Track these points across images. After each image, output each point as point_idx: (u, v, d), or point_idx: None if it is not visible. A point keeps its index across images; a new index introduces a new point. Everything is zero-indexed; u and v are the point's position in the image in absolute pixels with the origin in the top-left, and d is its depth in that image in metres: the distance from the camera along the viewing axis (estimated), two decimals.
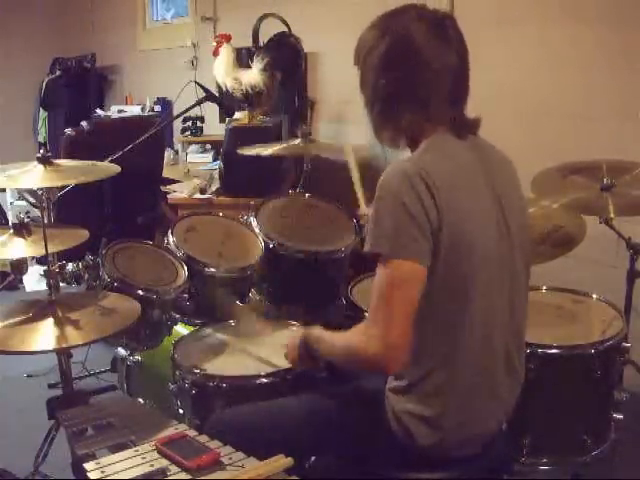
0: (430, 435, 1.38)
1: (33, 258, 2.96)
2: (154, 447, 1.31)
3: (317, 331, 1.52)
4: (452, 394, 1.37)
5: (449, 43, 1.35)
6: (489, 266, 1.35)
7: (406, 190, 1.27)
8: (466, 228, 1.31)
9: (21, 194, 4.50)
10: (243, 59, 3.47)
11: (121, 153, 2.44)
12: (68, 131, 3.62)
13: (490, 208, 1.38)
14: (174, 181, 3.81)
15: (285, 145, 2.60)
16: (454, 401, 1.37)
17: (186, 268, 2.13)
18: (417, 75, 1.35)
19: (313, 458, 1.58)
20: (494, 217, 1.38)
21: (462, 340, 1.35)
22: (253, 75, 3.26)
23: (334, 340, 1.45)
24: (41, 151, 1.80)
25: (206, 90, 2.76)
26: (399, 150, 1.48)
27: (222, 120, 4.12)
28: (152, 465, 1.24)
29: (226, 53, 3.33)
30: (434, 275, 1.30)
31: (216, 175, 3.40)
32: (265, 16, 3.50)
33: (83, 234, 1.92)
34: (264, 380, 1.79)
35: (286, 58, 3.43)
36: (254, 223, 2.33)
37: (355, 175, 2.13)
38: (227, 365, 1.90)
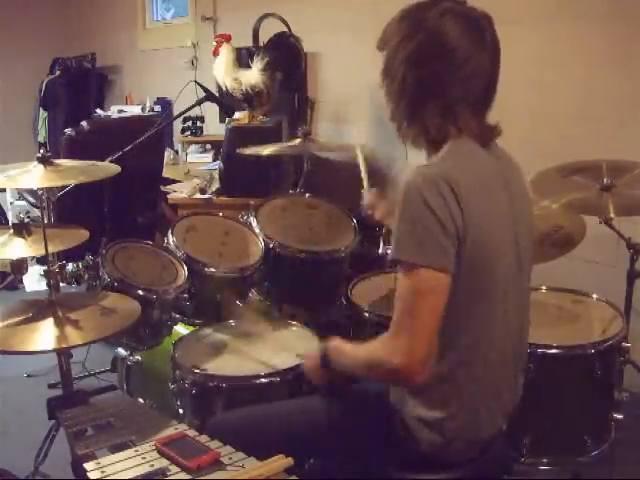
0: (433, 438, 1.37)
1: (33, 258, 2.96)
2: (154, 447, 1.31)
3: (337, 342, 1.47)
4: (462, 398, 1.36)
5: (484, 46, 1.31)
6: (507, 272, 1.35)
7: (433, 195, 1.24)
8: (489, 236, 1.30)
9: (21, 194, 4.53)
10: (243, 59, 3.47)
11: (121, 153, 2.44)
12: (68, 131, 3.62)
13: (507, 216, 1.36)
14: (174, 181, 3.80)
15: (285, 145, 2.60)
16: (462, 405, 1.37)
17: (186, 268, 2.13)
18: (447, 75, 1.31)
19: (313, 458, 1.58)
20: (511, 223, 1.37)
21: (480, 345, 1.34)
22: (253, 75, 3.25)
23: (356, 351, 1.41)
24: (41, 151, 1.80)
25: (206, 90, 2.76)
26: (409, 151, 1.46)
27: (222, 120, 4.12)
28: (152, 465, 1.24)
29: (226, 53, 3.33)
30: (456, 280, 1.28)
31: (216, 175, 3.40)
32: (265, 16, 3.50)
33: (83, 234, 1.92)
34: (264, 380, 1.79)
35: (286, 58, 3.42)
36: (254, 223, 2.33)
37: (364, 172, 2.11)
38: (227, 365, 1.90)
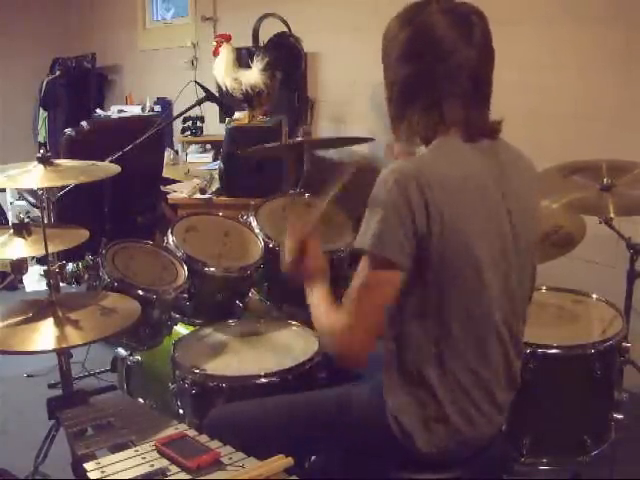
0: (426, 437, 1.37)
1: (33, 258, 2.96)
2: (154, 447, 1.31)
3: (320, 283, 1.51)
4: (451, 396, 1.36)
5: (470, 39, 1.31)
6: (489, 269, 1.33)
7: (398, 191, 1.26)
8: (462, 232, 1.29)
9: (21, 194, 4.53)
10: (243, 59, 3.47)
11: (121, 153, 2.44)
12: (68, 131, 3.62)
13: (496, 215, 1.35)
14: (174, 181, 3.80)
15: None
16: (453, 404, 1.36)
17: (186, 268, 2.13)
18: (432, 69, 1.32)
19: (313, 458, 1.58)
20: (502, 220, 1.36)
21: (460, 344, 1.34)
22: (253, 75, 3.25)
23: (323, 304, 1.45)
24: (41, 151, 1.80)
25: (206, 90, 2.76)
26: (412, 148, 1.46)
27: (222, 120, 4.12)
28: (152, 465, 1.24)
29: (226, 53, 3.33)
30: (427, 278, 1.30)
31: (216, 175, 3.40)
32: (265, 16, 3.50)
33: (83, 234, 1.92)
34: (264, 380, 1.79)
35: (286, 58, 3.42)
36: (254, 223, 2.33)
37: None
38: (227, 365, 1.90)
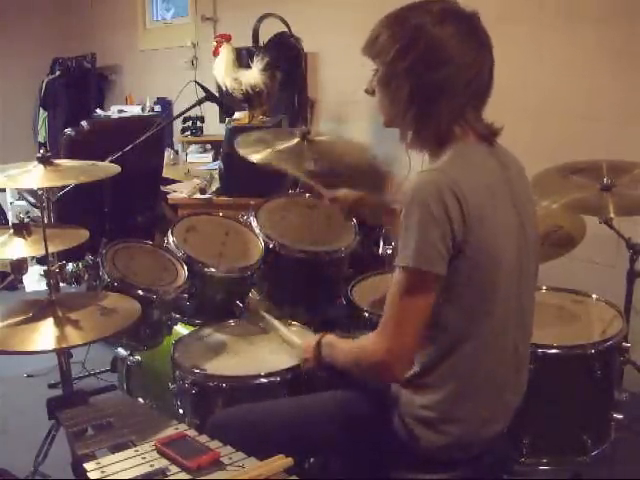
0: (432, 437, 1.38)
1: (33, 258, 2.96)
2: (154, 447, 1.30)
3: (331, 337, 1.55)
4: (462, 398, 1.37)
5: (482, 44, 1.32)
6: (509, 275, 1.35)
7: (435, 202, 1.25)
8: (490, 239, 1.30)
9: (21, 194, 4.53)
10: (243, 59, 3.47)
11: (121, 153, 2.44)
12: (68, 131, 3.62)
13: (512, 218, 1.37)
14: (174, 181, 3.81)
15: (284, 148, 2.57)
16: (463, 404, 1.37)
17: (186, 268, 2.13)
18: (453, 78, 1.31)
19: (313, 458, 1.58)
20: (515, 226, 1.37)
21: (478, 347, 1.35)
22: (253, 75, 3.25)
23: (346, 346, 1.47)
24: (41, 151, 1.79)
25: (206, 90, 2.76)
26: (410, 152, 1.46)
27: (222, 120, 4.12)
28: (152, 465, 1.24)
29: (226, 53, 3.33)
30: (455, 283, 1.30)
31: (216, 175, 3.40)
32: (265, 16, 3.50)
33: (83, 234, 1.92)
34: (264, 380, 1.79)
35: (286, 58, 3.43)
36: (254, 223, 2.33)
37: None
38: (227, 365, 1.90)
